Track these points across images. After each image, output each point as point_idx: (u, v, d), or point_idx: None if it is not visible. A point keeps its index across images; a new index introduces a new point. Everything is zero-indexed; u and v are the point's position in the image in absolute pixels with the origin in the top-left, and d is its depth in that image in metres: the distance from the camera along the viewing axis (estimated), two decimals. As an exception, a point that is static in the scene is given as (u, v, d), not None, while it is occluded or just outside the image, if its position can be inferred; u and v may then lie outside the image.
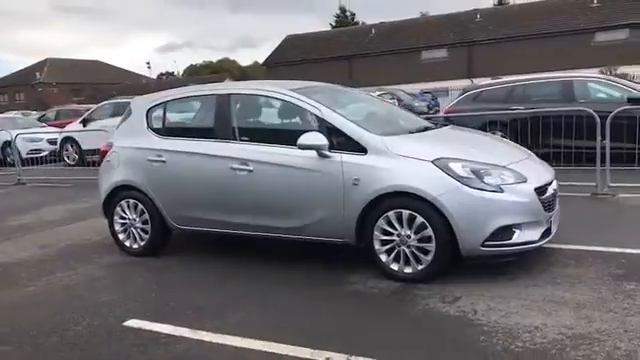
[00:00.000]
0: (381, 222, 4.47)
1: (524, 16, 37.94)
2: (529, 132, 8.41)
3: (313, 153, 4.66)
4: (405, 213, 4.37)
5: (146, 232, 5.68)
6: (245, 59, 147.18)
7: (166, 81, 68.56)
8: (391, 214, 4.42)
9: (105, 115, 15.63)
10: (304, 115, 4.98)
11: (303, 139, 4.61)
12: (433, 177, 4.29)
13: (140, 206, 5.65)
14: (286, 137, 4.94)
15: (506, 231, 4.26)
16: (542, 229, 4.43)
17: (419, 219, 4.32)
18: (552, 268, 4.56)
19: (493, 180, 4.29)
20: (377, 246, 4.53)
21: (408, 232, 4.38)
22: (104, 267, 5.54)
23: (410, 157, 4.43)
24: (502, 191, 4.26)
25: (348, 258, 5.02)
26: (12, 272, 5.58)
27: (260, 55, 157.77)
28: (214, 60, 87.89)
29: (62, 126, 18.42)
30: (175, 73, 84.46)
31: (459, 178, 4.25)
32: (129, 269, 5.43)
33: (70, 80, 63.54)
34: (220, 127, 5.24)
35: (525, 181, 4.40)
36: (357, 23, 60.53)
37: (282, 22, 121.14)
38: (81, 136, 15.06)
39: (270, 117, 5.50)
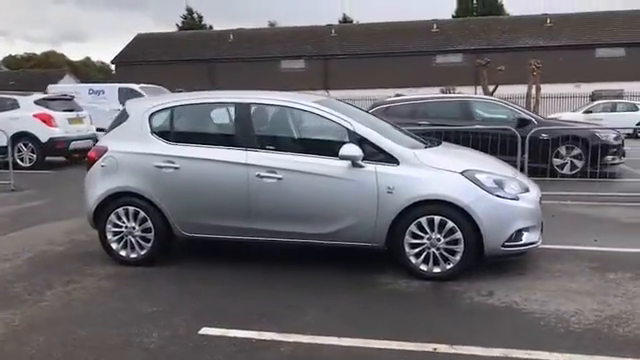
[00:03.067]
0: (412, 227, 4.95)
1: (375, 35, 40.85)
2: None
3: (347, 163, 4.99)
4: (437, 219, 4.90)
5: (146, 241, 5.49)
6: (73, 54, 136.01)
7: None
8: (423, 220, 4.92)
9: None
10: (333, 127, 5.24)
11: (344, 150, 4.92)
12: (464, 187, 4.90)
13: (141, 214, 5.44)
14: (315, 147, 5.23)
15: (519, 233, 5.00)
16: (539, 231, 5.26)
17: (449, 224, 4.88)
18: (541, 264, 5.41)
19: (510, 189, 5.02)
20: (407, 249, 4.99)
21: (438, 236, 4.92)
22: (107, 279, 5.24)
23: (441, 169, 4.99)
24: (518, 199, 5.01)
25: (361, 261, 5.41)
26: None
27: (89, 51, 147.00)
28: (38, 52, 79.73)
29: None
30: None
31: (485, 188, 4.90)
32: (140, 280, 5.20)
33: None
34: (242, 135, 5.30)
35: (528, 190, 5.20)
36: (205, 26, 59.81)
37: (113, 18, 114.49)
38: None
39: (296, 128, 5.68)
